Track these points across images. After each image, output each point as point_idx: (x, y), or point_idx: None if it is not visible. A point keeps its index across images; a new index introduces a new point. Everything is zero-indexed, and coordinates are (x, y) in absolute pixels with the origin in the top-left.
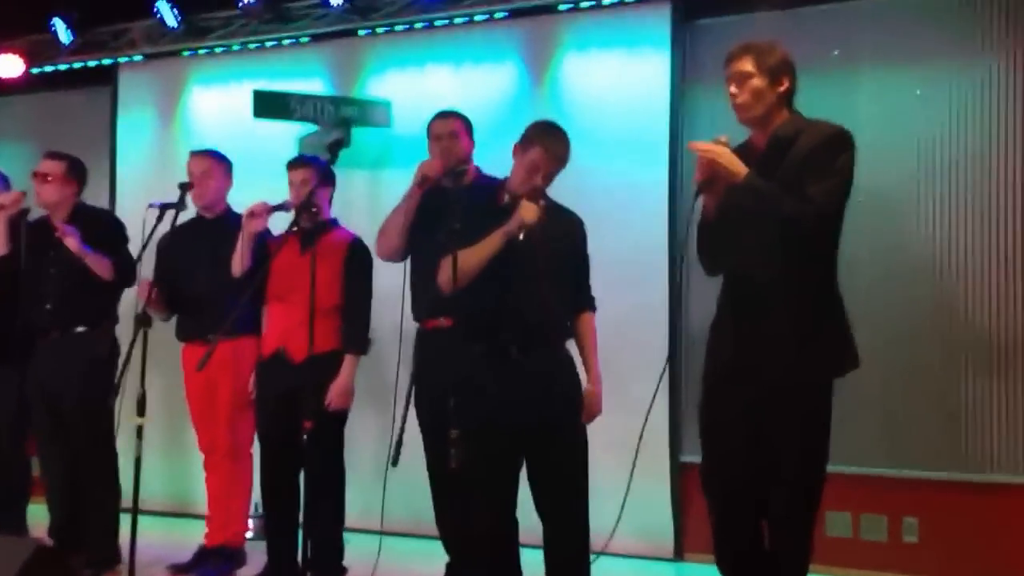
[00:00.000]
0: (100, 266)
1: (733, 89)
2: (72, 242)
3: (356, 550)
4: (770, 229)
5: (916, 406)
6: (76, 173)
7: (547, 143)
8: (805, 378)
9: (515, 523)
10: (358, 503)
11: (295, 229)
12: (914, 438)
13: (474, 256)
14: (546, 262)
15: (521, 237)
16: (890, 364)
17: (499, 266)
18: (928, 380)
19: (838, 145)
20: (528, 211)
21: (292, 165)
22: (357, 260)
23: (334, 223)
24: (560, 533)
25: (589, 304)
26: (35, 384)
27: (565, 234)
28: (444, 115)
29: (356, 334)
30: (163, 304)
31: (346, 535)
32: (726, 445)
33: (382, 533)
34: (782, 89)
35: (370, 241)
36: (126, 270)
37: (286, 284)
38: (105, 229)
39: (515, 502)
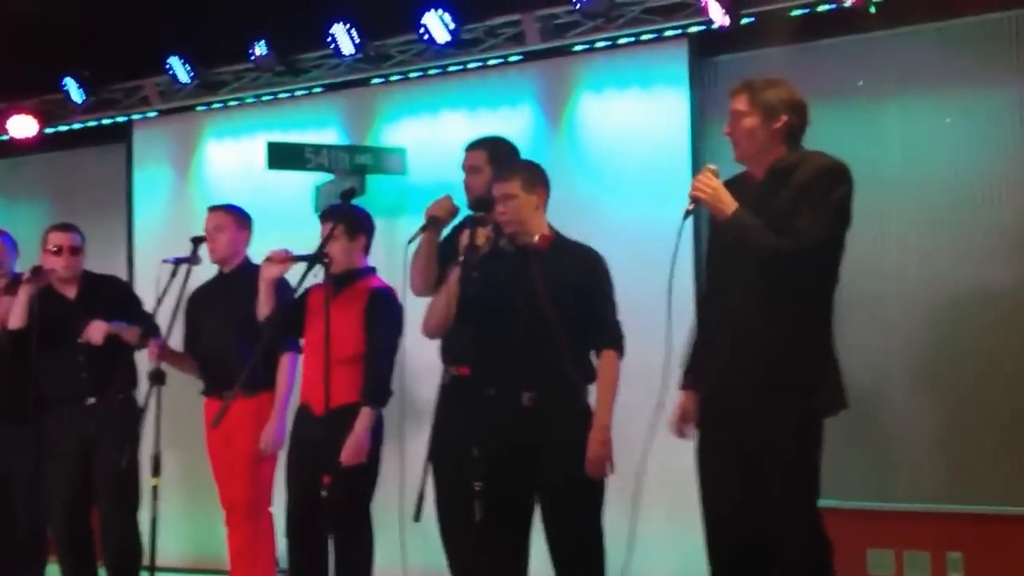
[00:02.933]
0: (130, 335)
1: (727, 128)
2: (98, 335)
3: None
4: (753, 262)
5: (957, 439)
6: (84, 242)
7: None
8: (777, 412)
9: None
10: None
11: (329, 279)
12: (956, 472)
13: (440, 295)
14: (554, 301)
15: (462, 259)
16: (927, 395)
17: (499, 308)
18: (970, 411)
19: (832, 178)
20: (479, 236)
21: (325, 216)
22: (378, 308)
23: (368, 271)
24: None
25: (611, 342)
26: (70, 448)
27: (577, 270)
28: (469, 146)
29: (374, 386)
30: (192, 361)
31: None
32: (720, 502)
33: None
34: (777, 126)
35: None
36: (151, 330)
37: (314, 334)
38: (119, 295)
39: (524, 554)
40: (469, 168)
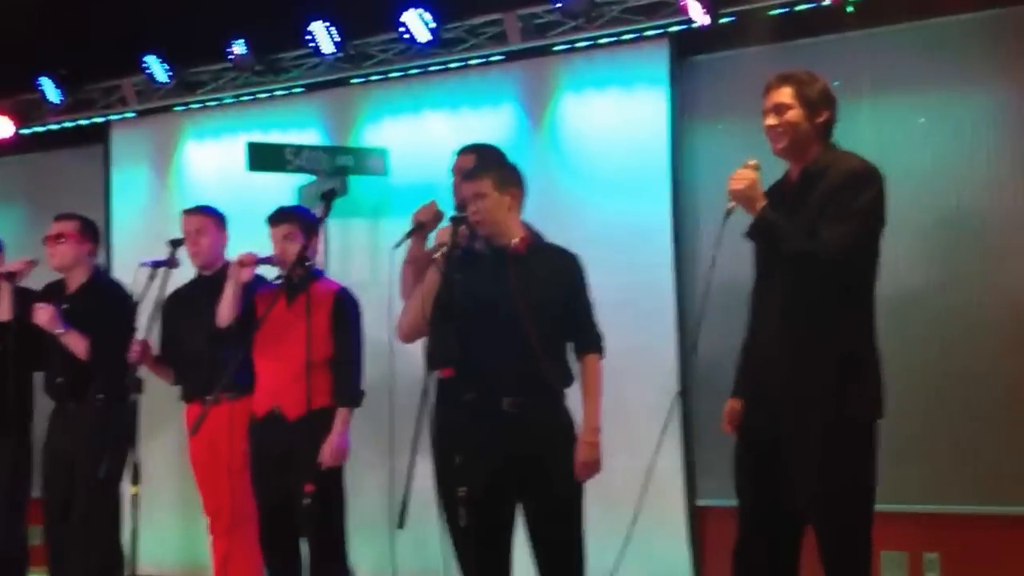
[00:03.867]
0: (76, 346)
1: (771, 120)
2: (43, 318)
3: None
4: (789, 264)
5: (934, 438)
6: (90, 232)
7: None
8: (807, 417)
9: None
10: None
11: (280, 282)
12: (933, 472)
13: (414, 298)
14: (530, 305)
15: (437, 256)
16: (904, 395)
17: (477, 312)
18: (948, 412)
19: (861, 183)
20: (439, 234)
21: (276, 219)
22: (345, 311)
23: (319, 273)
24: None
25: (591, 346)
26: (56, 455)
27: (555, 274)
28: (460, 150)
29: (348, 388)
30: (167, 366)
31: None
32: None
33: None
34: (820, 120)
35: (368, 291)
36: (105, 352)
37: (274, 339)
38: (111, 308)
39: (507, 562)
40: (458, 171)
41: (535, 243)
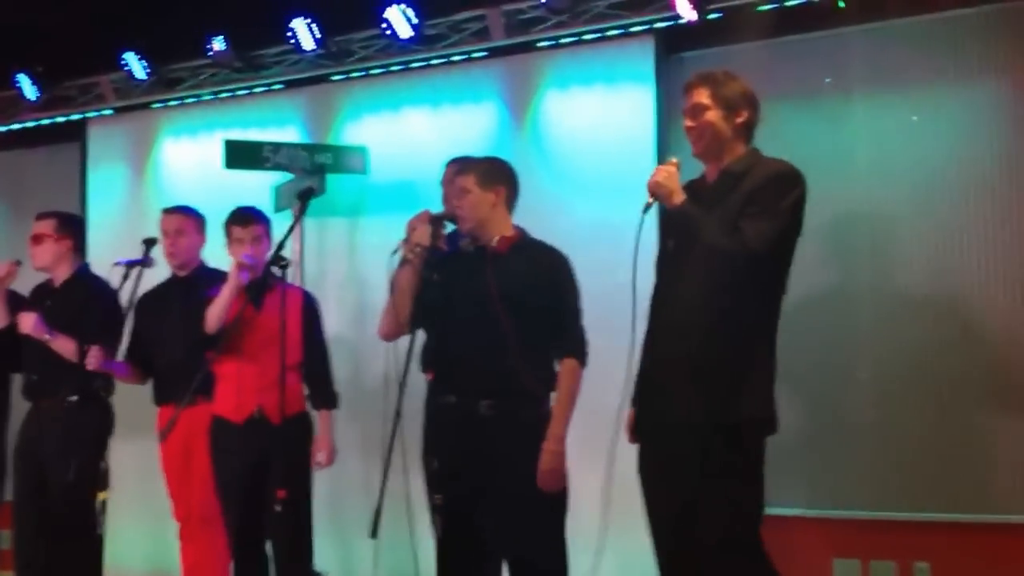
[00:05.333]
0: (65, 350)
1: (688, 122)
2: (28, 326)
3: None
4: (699, 263)
5: (924, 446)
6: (69, 228)
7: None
8: (700, 419)
9: None
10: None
11: (247, 284)
12: (923, 480)
13: (394, 299)
14: (508, 305)
15: (407, 256)
16: (894, 402)
17: (457, 312)
18: (935, 418)
19: (784, 185)
20: (418, 233)
21: (241, 222)
22: (314, 315)
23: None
24: None
25: (571, 350)
26: (25, 453)
27: (537, 273)
28: (450, 162)
29: (325, 390)
30: (138, 368)
31: None
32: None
33: None
34: (739, 121)
35: (347, 290)
36: (107, 343)
37: (247, 342)
38: (98, 309)
39: (493, 569)
40: (446, 182)
41: (520, 242)
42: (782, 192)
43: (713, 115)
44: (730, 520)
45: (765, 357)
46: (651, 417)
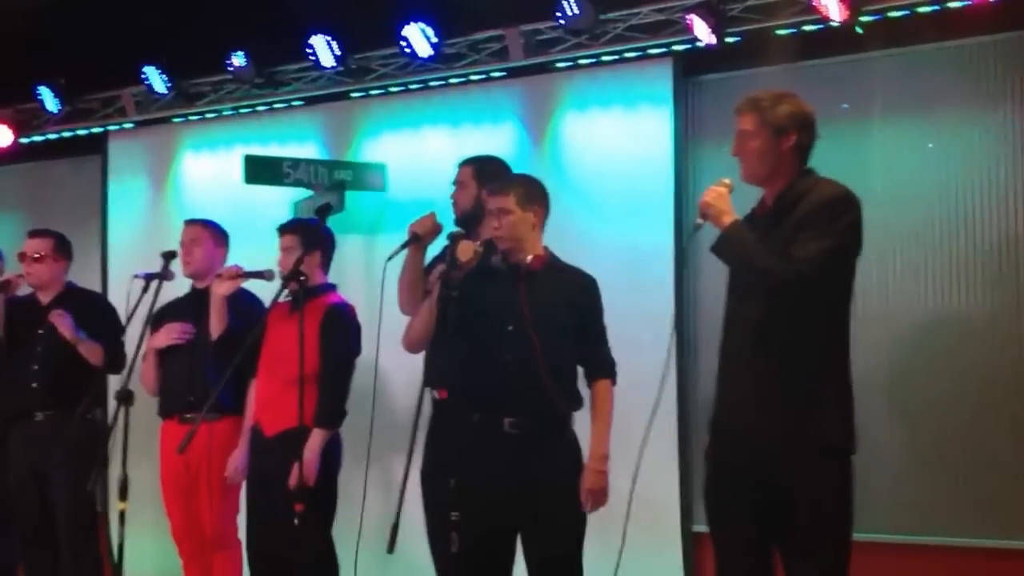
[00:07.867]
0: (92, 354)
1: (735, 150)
2: (66, 329)
3: None
4: (758, 281)
5: (928, 469)
6: (64, 250)
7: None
8: (776, 446)
9: None
10: None
11: (288, 297)
12: (924, 502)
13: (424, 308)
14: (539, 324)
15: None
16: (902, 424)
17: (486, 329)
18: (938, 442)
19: (838, 209)
20: (462, 250)
21: (280, 230)
22: (333, 325)
23: (326, 288)
24: None
25: (603, 371)
26: (21, 469)
27: (568, 295)
28: (462, 163)
29: (328, 407)
30: (154, 378)
31: None
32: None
33: None
34: (788, 145)
35: (363, 307)
36: (117, 358)
37: (273, 354)
38: (97, 314)
39: None
40: (458, 183)
41: (551, 262)
42: (835, 216)
43: (758, 143)
44: (834, 555)
45: (842, 384)
46: (729, 446)
